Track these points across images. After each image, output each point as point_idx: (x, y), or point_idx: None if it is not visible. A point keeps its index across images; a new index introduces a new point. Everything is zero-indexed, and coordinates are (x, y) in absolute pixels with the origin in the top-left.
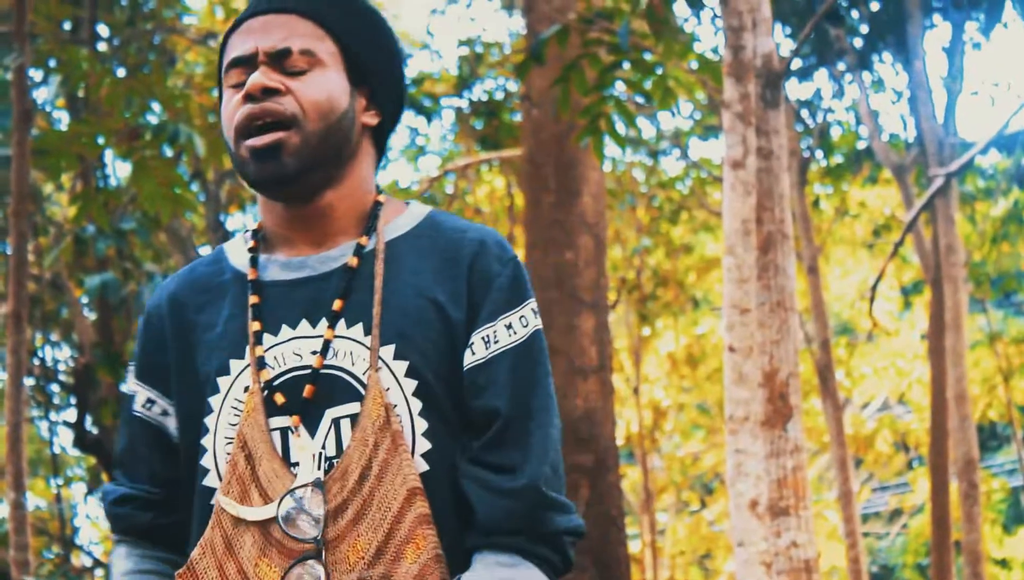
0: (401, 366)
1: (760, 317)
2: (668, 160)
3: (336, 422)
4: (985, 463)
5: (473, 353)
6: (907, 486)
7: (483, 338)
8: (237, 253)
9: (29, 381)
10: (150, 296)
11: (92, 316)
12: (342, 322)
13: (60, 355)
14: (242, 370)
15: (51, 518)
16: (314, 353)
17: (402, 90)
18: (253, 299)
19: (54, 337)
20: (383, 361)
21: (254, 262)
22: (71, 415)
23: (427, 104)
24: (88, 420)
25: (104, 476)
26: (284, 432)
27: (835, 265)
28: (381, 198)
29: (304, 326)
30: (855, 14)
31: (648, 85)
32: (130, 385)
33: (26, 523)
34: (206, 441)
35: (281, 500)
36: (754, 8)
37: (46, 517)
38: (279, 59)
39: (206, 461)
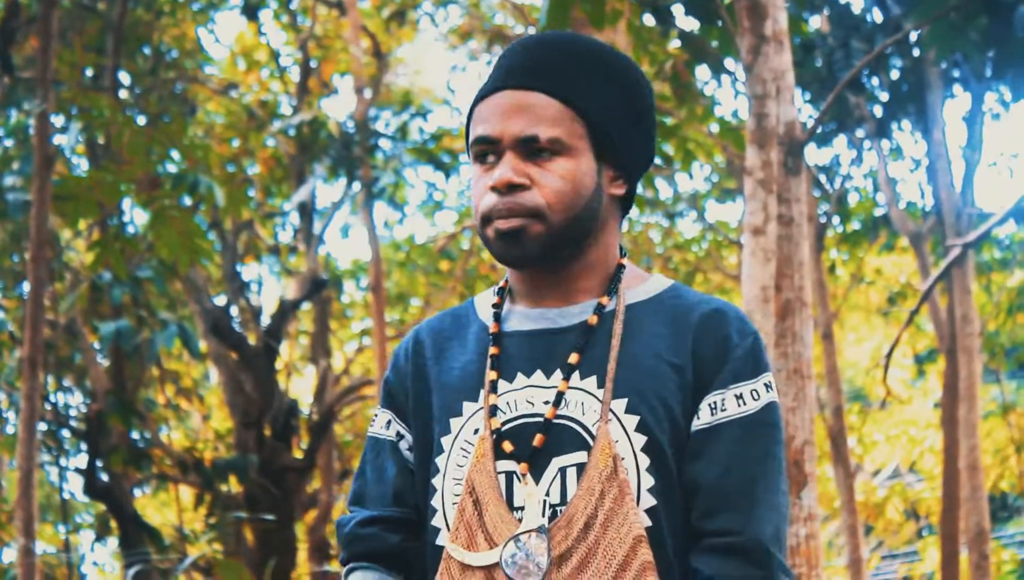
0: (632, 420)
1: (777, 384)
2: (685, 222)
3: (562, 470)
4: (996, 534)
5: (699, 418)
6: (917, 555)
7: (710, 405)
8: (483, 304)
9: (41, 426)
10: (163, 342)
11: (106, 363)
12: (576, 374)
13: (72, 401)
14: (473, 413)
15: (59, 564)
16: (546, 402)
17: (651, 147)
18: (493, 350)
19: (67, 382)
20: (614, 414)
21: (497, 317)
22: (81, 461)
23: (445, 160)
24: (98, 467)
25: (113, 523)
26: (509, 476)
27: (849, 331)
28: (624, 261)
29: (538, 376)
30: (875, 81)
31: (668, 148)
32: (379, 417)
33: (35, 569)
34: (436, 481)
35: (505, 545)
36: (778, 76)
37: (54, 563)
38: (525, 145)
39: (435, 501)
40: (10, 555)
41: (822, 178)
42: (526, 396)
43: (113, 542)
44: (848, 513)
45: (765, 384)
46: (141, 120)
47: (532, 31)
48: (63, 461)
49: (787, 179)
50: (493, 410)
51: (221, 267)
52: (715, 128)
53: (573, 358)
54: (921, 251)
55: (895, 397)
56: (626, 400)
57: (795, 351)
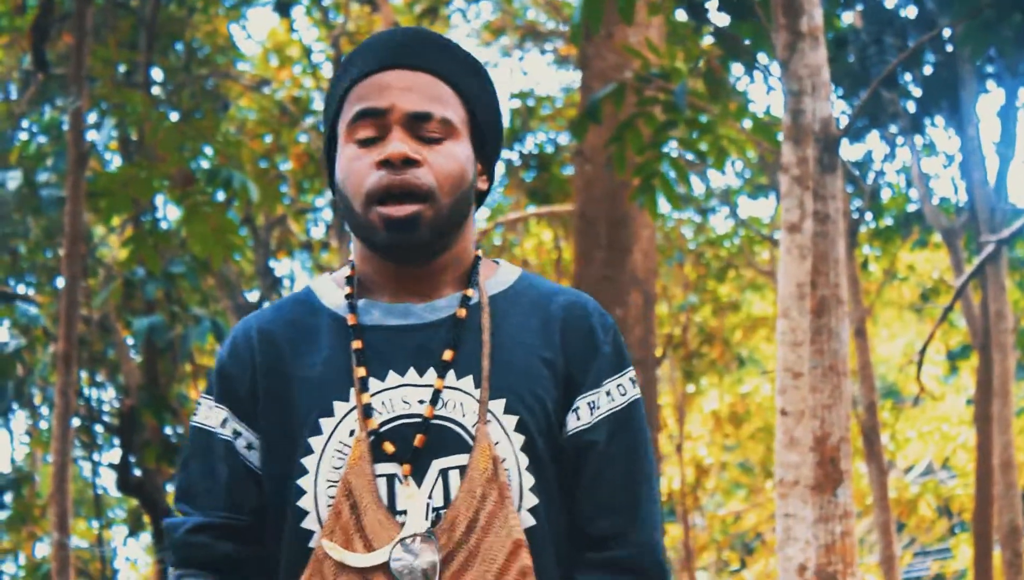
0: (511, 420)
1: (812, 381)
2: (717, 218)
3: (444, 472)
4: None
5: (578, 418)
6: (949, 552)
7: (588, 403)
8: (328, 294)
9: (74, 421)
10: (196, 338)
11: (138, 358)
12: (452, 373)
13: (105, 396)
14: (347, 413)
15: (92, 559)
16: (422, 402)
17: (500, 149)
18: (356, 344)
19: (100, 378)
20: (492, 414)
21: (353, 307)
22: (114, 456)
23: None
24: (131, 462)
25: (146, 518)
26: (390, 479)
27: (882, 327)
28: (479, 253)
29: (412, 374)
30: (908, 77)
31: (702, 145)
32: (208, 411)
33: (68, 564)
34: (304, 482)
35: (393, 548)
36: (814, 72)
37: (87, 558)
38: (416, 122)
39: (305, 503)
40: (43, 549)
41: (855, 174)
42: (401, 395)
43: (146, 537)
44: (881, 510)
45: (631, 379)
46: (174, 116)
47: (564, 28)
48: (96, 456)
49: (823, 176)
50: (368, 410)
51: (254, 263)
52: (748, 124)
53: (447, 355)
54: (954, 247)
55: (928, 394)
56: (504, 400)
57: (831, 348)
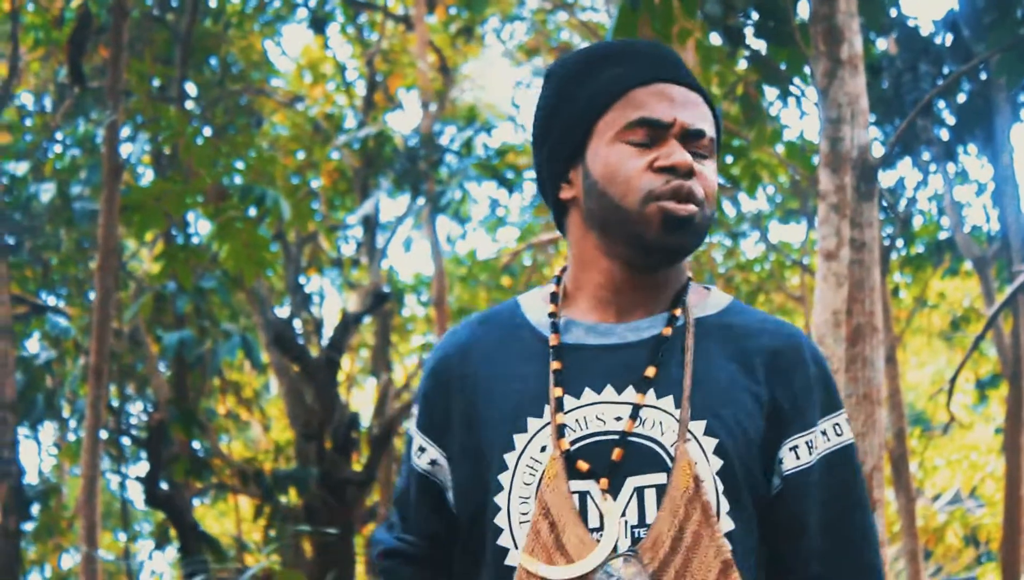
0: (710, 443)
1: (847, 409)
2: (747, 242)
3: (639, 491)
4: None
5: (797, 457)
6: None
7: (807, 442)
8: (534, 310)
9: (103, 434)
10: (226, 353)
11: (168, 372)
12: (652, 391)
13: (133, 409)
14: (539, 430)
15: (118, 572)
16: (618, 419)
17: None
18: (555, 365)
19: (129, 391)
20: (692, 435)
21: (555, 327)
22: (142, 469)
23: (509, 176)
24: (159, 476)
25: (172, 532)
26: (582, 496)
27: (912, 355)
28: (690, 276)
29: (609, 392)
30: (942, 104)
31: (735, 169)
32: (411, 430)
33: (97, 576)
34: (500, 499)
35: (602, 562)
36: (852, 100)
37: (113, 570)
38: (690, 139)
39: (500, 520)
40: (69, 561)
41: (887, 200)
42: (596, 412)
43: (172, 551)
44: (909, 538)
45: (845, 419)
46: (207, 131)
47: None
48: (124, 469)
49: (859, 204)
50: (561, 430)
51: (284, 279)
52: (781, 149)
53: (650, 371)
54: (985, 276)
55: (957, 422)
56: (704, 422)
57: (865, 376)
